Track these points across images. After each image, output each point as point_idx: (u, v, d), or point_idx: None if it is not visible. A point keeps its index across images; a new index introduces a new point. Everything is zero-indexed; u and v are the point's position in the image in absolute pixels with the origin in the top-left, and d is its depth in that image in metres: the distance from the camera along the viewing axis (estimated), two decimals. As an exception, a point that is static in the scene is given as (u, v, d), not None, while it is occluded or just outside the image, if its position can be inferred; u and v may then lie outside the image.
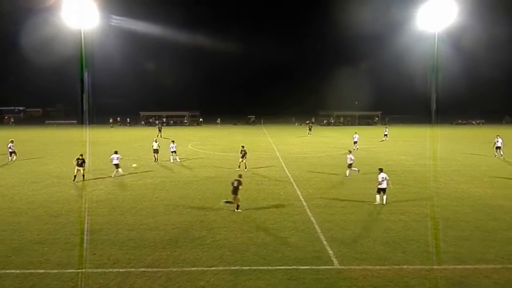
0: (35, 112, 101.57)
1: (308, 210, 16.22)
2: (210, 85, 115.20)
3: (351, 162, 23.26)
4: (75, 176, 21.98)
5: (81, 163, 22.02)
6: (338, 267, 10.92)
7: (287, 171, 25.10)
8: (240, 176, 17.07)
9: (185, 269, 10.78)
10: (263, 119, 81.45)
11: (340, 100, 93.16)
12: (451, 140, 42.40)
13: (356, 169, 23.62)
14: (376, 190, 17.16)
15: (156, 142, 30.26)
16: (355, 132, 38.80)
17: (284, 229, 13.97)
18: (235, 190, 16.11)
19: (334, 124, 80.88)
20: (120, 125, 77.61)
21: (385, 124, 79.82)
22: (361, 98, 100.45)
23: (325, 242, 12.65)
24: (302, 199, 18.02)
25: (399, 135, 53.26)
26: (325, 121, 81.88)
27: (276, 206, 16.93)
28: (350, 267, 10.90)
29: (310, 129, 55.95)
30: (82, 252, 11.89)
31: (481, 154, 32.50)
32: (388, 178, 16.79)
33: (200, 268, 10.81)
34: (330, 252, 11.88)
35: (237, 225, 14.42)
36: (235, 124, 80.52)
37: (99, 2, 45.46)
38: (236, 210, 16.02)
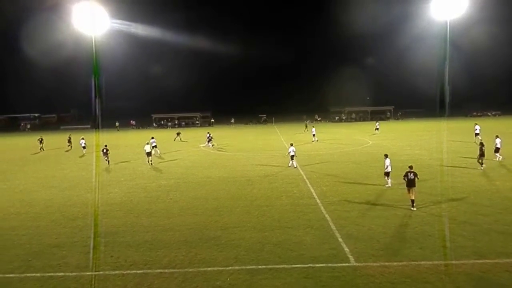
0: (50, 118, 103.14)
1: (322, 208, 16.14)
2: (220, 85, 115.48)
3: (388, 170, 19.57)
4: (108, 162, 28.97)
5: (105, 151, 28.83)
6: (355, 264, 10.84)
7: (299, 169, 25.02)
8: (410, 167, 16.10)
9: (201, 269, 10.84)
10: (274, 118, 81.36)
11: (352, 96, 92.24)
12: (466, 133, 41.65)
13: None
14: (384, 173, 19.47)
15: (148, 144, 30.02)
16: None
17: (299, 227, 13.94)
18: (411, 183, 15.35)
19: (346, 120, 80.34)
20: (135, 127, 78.28)
21: (397, 119, 78.89)
22: (373, 94, 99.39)
23: (340, 240, 12.57)
24: (316, 197, 17.93)
25: (412, 130, 52.60)
26: (336, 118, 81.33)
27: (290, 204, 16.89)
28: (366, 264, 10.82)
29: (306, 126, 55.09)
30: (100, 254, 12.06)
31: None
32: (416, 172, 15.73)
33: (216, 268, 10.86)
34: (346, 249, 11.80)
35: (251, 224, 14.45)
36: (246, 123, 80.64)
37: (108, 8, 45.97)
38: (411, 209, 15.25)
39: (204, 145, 39.85)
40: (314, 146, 37.33)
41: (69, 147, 41.28)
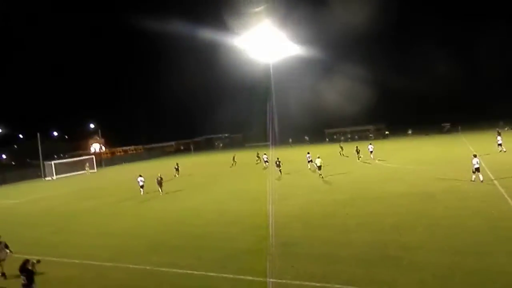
0: (236, 137, 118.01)
1: (533, 233, 13.17)
2: (395, 95, 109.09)
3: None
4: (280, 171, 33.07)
5: (278, 164, 33.89)
6: None
7: (498, 185, 21.14)
8: None
9: (382, 290, 10.26)
10: (460, 126, 71.43)
11: None
12: None
13: None
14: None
15: (141, 176, 31.33)
16: None
17: (500, 254, 11.70)
18: None
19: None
20: (308, 143, 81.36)
21: None
22: None
23: None
24: (523, 219, 14.77)
25: None
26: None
27: (487, 227, 14.38)
28: None
29: (358, 152, 39.73)
30: (282, 263, 12.83)
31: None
32: None
33: (398, 291, 10.10)
34: None
35: (437, 246, 12.92)
36: (426, 134, 73.32)
37: (284, 34, 50.02)
38: None
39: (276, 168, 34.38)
40: (504, 158, 31.02)
41: (175, 175, 41.32)
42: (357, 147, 40.91)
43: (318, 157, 31.00)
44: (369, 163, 36.73)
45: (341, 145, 49.21)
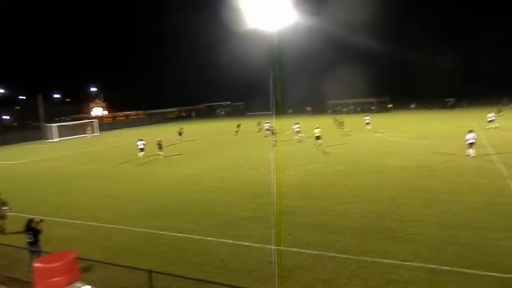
0: (239, 106, 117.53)
1: (528, 210, 13.35)
2: (402, 67, 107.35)
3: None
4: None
5: (272, 131, 35.48)
6: None
7: (497, 162, 21.24)
8: None
9: (376, 260, 10.52)
10: (465, 102, 70.67)
11: None
12: None
13: None
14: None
15: (141, 140, 32.02)
16: None
17: (495, 229, 11.92)
18: None
19: None
20: (310, 113, 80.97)
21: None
22: None
23: (555, 252, 10.18)
24: (520, 196, 14.93)
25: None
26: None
27: (484, 202, 14.57)
28: None
29: (499, 111, 43.46)
30: (279, 231, 13.10)
31: None
32: None
33: (391, 261, 10.36)
34: None
35: (433, 219, 13.15)
36: (429, 109, 72.76)
37: (289, 4, 48.53)
38: None
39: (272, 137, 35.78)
40: (506, 134, 30.96)
41: (180, 140, 42.00)
42: (340, 118, 43.51)
43: (317, 127, 31.50)
44: (374, 135, 36.75)
45: (339, 118, 48.57)
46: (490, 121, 35.99)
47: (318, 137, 30.90)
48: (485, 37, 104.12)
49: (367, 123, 42.17)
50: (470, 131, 23.46)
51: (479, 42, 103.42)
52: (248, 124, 55.17)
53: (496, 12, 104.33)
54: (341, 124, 41.33)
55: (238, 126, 48.33)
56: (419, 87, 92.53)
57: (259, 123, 47.84)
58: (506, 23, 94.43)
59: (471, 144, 22.91)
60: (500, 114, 44.27)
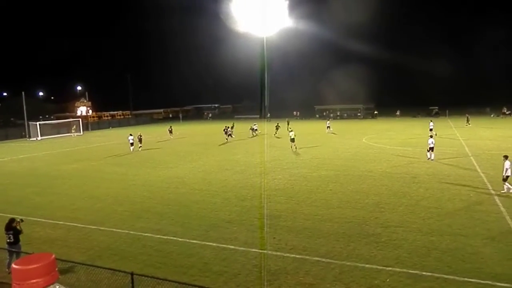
0: (226, 108, 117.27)
1: (508, 218, 13.66)
2: (387, 74, 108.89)
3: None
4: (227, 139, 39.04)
5: (226, 131, 40.57)
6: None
7: (479, 170, 21.70)
8: None
9: (359, 264, 10.62)
10: (448, 110, 72.12)
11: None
12: None
13: None
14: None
15: (131, 135, 36.47)
16: None
17: (475, 236, 12.17)
18: None
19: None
20: (298, 118, 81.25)
21: None
22: None
23: (532, 259, 10.43)
24: (500, 204, 15.27)
25: None
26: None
27: (465, 209, 14.87)
28: None
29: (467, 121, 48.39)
30: (264, 234, 13.11)
31: None
32: None
33: (374, 266, 10.47)
34: (540, 271, 9.72)
35: (416, 226, 13.35)
36: (414, 116, 73.98)
37: (281, 8, 49.05)
38: None
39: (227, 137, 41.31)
40: (499, 144, 31.67)
41: (170, 137, 45.26)
42: (277, 124, 46.99)
43: (291, 131, 33.36)
44: (360, 142, 37.12)
45: (288, 125, 47.93)
46: (430, 129, 36.88)
47: (292, 140, 32.20)
48: (470, 47, 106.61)
49: (328, 127, 46.09)
50: (431, 136, 26.30)
51: (465, 55, 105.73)
52: (237, 127, 55.03)
53: (480, 21, 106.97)
54: (277, 129, 44.75)
55: (231, 127, 45.30)
56: (404, 94, 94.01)
57: (170, 129, 47.60)
58: (489, 34, 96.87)
59: (431, 148, 25.23)
60: (468, 124, 48.02)
